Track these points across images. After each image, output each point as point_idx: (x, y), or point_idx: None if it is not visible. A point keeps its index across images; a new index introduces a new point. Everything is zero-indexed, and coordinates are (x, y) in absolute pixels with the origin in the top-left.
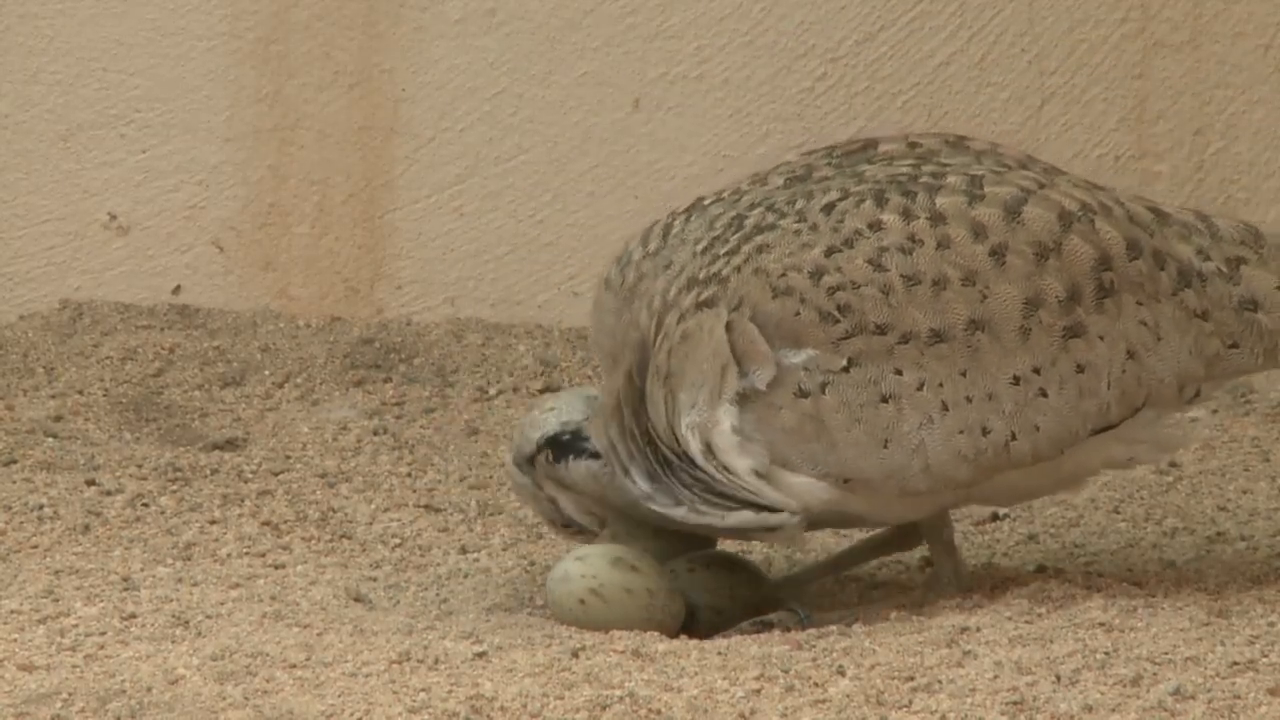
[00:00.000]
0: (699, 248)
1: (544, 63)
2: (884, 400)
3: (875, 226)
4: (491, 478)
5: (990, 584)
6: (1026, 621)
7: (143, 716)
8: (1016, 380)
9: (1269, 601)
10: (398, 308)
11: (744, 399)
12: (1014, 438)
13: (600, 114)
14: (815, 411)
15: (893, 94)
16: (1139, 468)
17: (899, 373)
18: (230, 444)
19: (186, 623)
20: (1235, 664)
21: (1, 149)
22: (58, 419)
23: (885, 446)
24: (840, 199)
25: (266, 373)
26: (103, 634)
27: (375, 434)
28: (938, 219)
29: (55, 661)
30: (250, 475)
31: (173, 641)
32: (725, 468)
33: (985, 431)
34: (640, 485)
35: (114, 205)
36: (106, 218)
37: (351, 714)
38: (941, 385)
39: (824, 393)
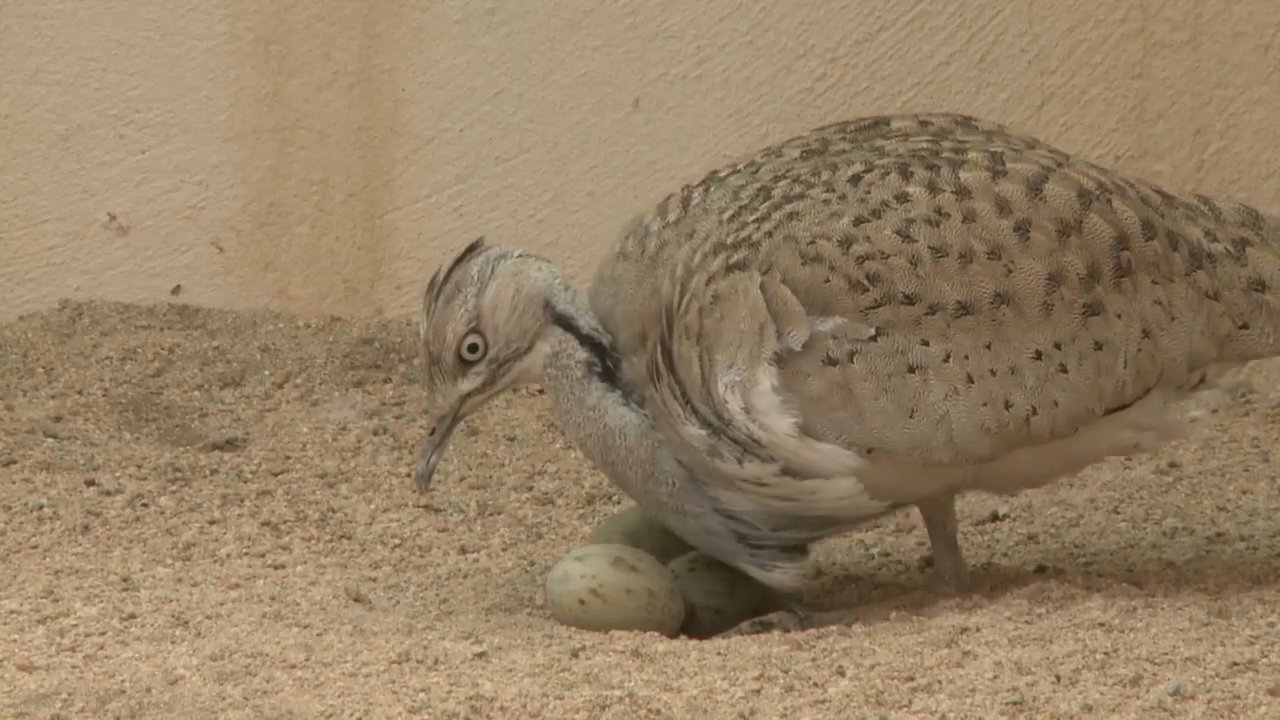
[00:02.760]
0: (724, 216)
1: (544, 63)
2: (911, 370)
3: (902, 198)
4: (491, 478)
5: (990, 584)
6: (1026, 621)
7: (142, 716)
8: (1039, 355)
9: (1269, 601)
10: (398, 308)
11: (780, 360)
12: (1034, 412)
13: (600, 114)
14: (843, 380)
15: (893, 94)
16: (1139, 468)
17: (925, 344)
18: (230, 444)
19: (186, 623)
20: (1235, 664)
21: (1, 149)
22: (57, 419)
23: (911, 417)
24: (865, 171)
25: (266, 373)
26: (102, 634)
27: (375, 434)
28: (963, 193)
29: (55, 661)
30: (250, 475)
31: (172, 642)
32: (765, 428)
33: (1008, 405)
34: (703, 439)
35: (114, 205)
36: (106, 218)
37: (351, 714)
38: (967, 357)
39: (852, 361)
